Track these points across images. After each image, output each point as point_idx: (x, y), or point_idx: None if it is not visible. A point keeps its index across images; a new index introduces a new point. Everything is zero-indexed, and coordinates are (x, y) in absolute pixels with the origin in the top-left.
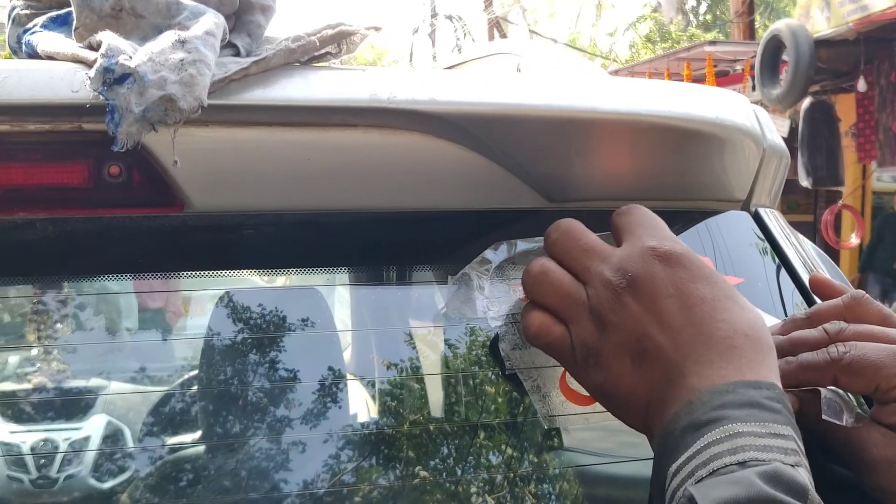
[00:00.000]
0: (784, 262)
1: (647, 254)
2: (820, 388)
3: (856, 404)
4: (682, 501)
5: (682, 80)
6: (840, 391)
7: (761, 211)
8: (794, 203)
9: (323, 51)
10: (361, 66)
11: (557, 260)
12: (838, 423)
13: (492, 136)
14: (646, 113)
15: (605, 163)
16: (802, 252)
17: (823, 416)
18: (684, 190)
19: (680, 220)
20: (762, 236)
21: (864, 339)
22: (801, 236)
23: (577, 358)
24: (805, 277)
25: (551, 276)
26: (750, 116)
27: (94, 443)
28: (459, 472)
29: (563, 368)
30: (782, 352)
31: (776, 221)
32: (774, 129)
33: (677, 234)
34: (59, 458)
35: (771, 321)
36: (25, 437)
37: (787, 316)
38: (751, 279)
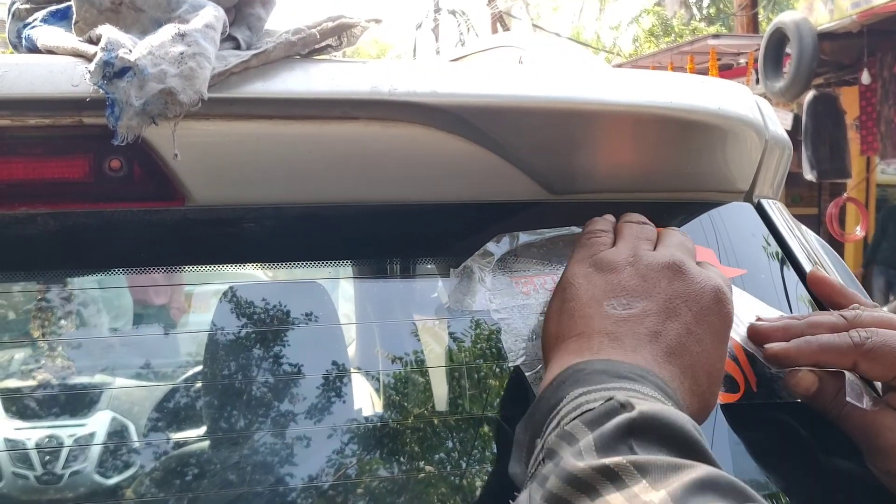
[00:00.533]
0: (787, 252)
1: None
2: (844, 371)
3: (871, 388)
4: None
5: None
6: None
7: (764, 202)
8: (798, 196)
9: (323, 43)
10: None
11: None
12: (859, 405)
13: (493, 129)
14: (648, 104)
15: (607, 154)
16: (805, 243)
17: (847, 399)
18: (687, 181)
19: (683, 211)
20: (765, 227)
21: (883, 326)
22: (804, 227)
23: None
24: (808, 268)
25: None
26: (752, 107)
27: (99, 439)
28: (464, 466)
29: None
30: (797, 333)
31: (779, 212)
32: (777, 120)
33: (680, 226)
34: (63, 454)
35: (774, 313)
36: (30, 433)
37: (789, 306)
38: (754, 270)
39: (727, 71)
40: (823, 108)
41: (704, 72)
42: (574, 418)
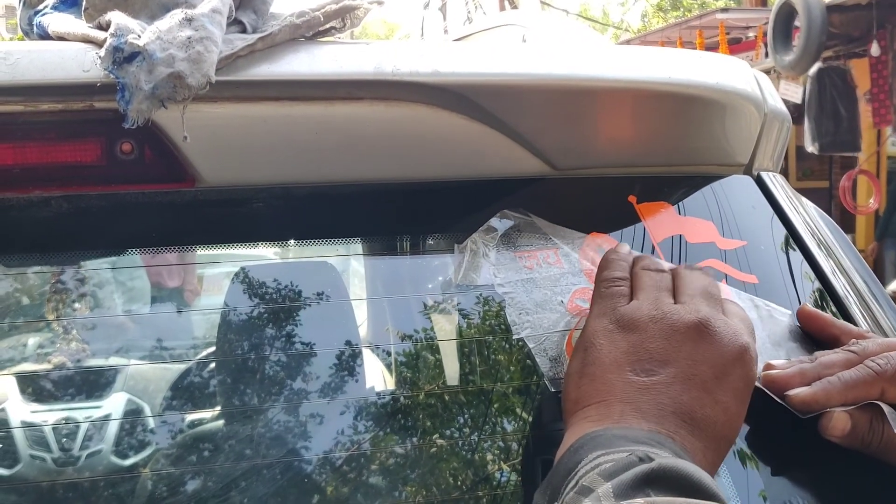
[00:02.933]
0: (787, 224)
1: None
2: (879, 403)
3: None
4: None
5: (695, 49)
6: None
7: (764, 175)
8: (809, 169)
9: (327, 26)
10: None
11: None
12: None
13: (496, 106)
14: (647, 80)
15: (608, 130)
16: (805, 214)
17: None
18: (687, 155)
19: (684, 184)
20: (765, 199)
21: (891, 350)
22: (804, 199)
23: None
24: (808, 240)
25: None
26: (751, 81)
27: (115, 420)
28: (476, 440)
29: (569, 332)
30: (814, 375)
31: (779, 185)
32: (776, 94)
33: (681, 199)
34: (80, 435)
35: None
36: (46, 416)
37: (791, 276)
38: (754, 242)
39: (736, 45)
40: (831, 80)
41: (714, 46)
42: (593, 474)
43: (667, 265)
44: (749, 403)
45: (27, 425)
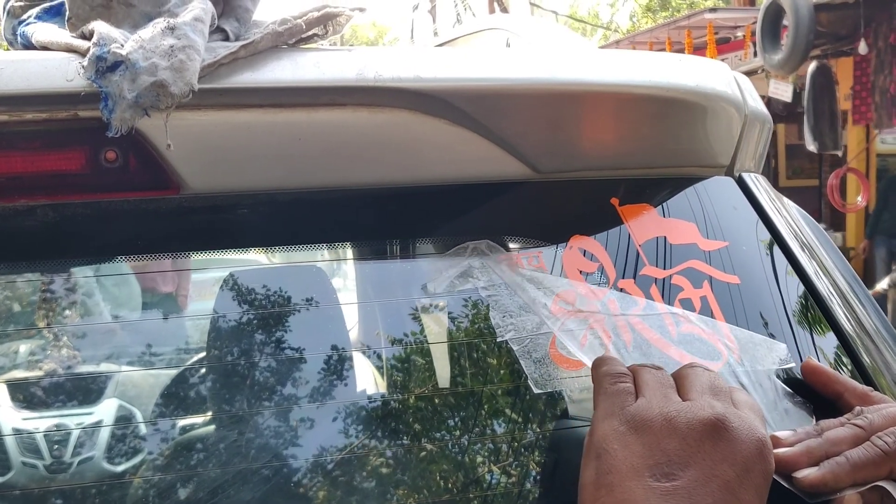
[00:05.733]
0: (768, 224)
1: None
2: (883, 484)
3: None
4: None
5: (683, 49)
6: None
7: (745, 176)
8: (799, 168)
9: (310, 33)
10: (363, 44)
11: None
12: None
13: (478, 111)
14: (628, 83)
15: (590, 133)
16: (787, 214)
17: None
18: (668, 157)
19: (666, 186)
20: (746, 200)
21: (893, 422)
22: (786, 199)
23: None
24: (790, 240)
25: None
26: (731, 84)
27: (106, 426)
28: (465, 443)
29: (552, 334)
30: (821, 454)
31: (760, 186)
32: (757, 96)
33: (664, 201)
34: (72, 442)
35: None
36: (38, 423)
37: (775, 276)
38: (735, 242)
39: (725, 44)
40: (822, 79)
41: (702, 46)
42: None
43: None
44: None
45: (19, 432)
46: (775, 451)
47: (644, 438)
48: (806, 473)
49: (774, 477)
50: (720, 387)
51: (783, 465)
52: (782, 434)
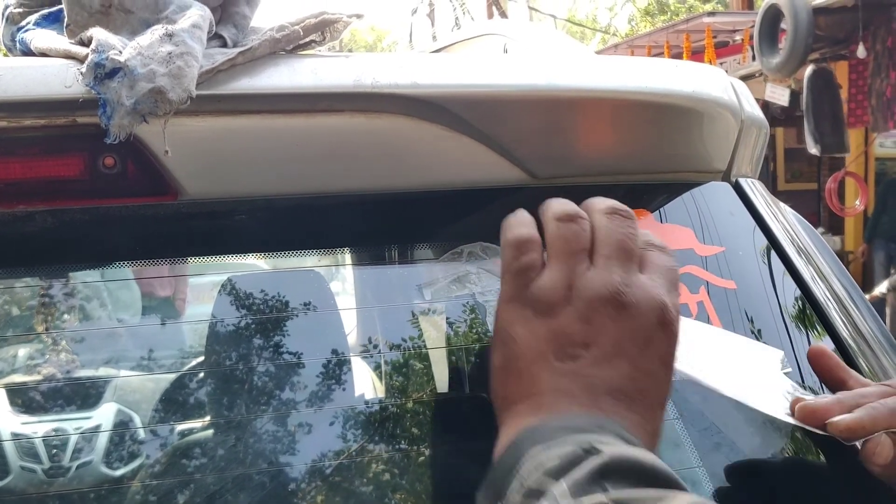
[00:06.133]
0: (765, 230)
1: None
2: None
3: None
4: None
5: (682, 52)
6: None
7: (742, 181)
8: (798, 171)
9: (307, 39)
10: (361, 48)
11: None
12: None
13: (475, 117)
14: (625, 89)
15: (587, 139)
16: (784, 220)
17: None
18: (665, 163)
19: (662, 192)
20: (743, 206)
21: None
22: (782, 204)
23: None
24: (787, 245)
25: None
26: (727, 89)
27: (105, 431)
28: (464, 448)
29: None
30: (853, 404)
31: (757, 191)
32: (753, 101)
33: (660, 206)
34: (70, 447)
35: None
36: (37, 427)
37: (772, 280)
38: (732, 248)
39: (723, 48)
40: (822, 82)
41: (700, 50)
42: (538, 474)
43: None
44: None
45: (18, 437)
46: (806, 402)
47: (548, 322)
48: (841, 418)
49: (808, 427)
50: (630, 248)
51: (818, 415)
52: (808, 396)
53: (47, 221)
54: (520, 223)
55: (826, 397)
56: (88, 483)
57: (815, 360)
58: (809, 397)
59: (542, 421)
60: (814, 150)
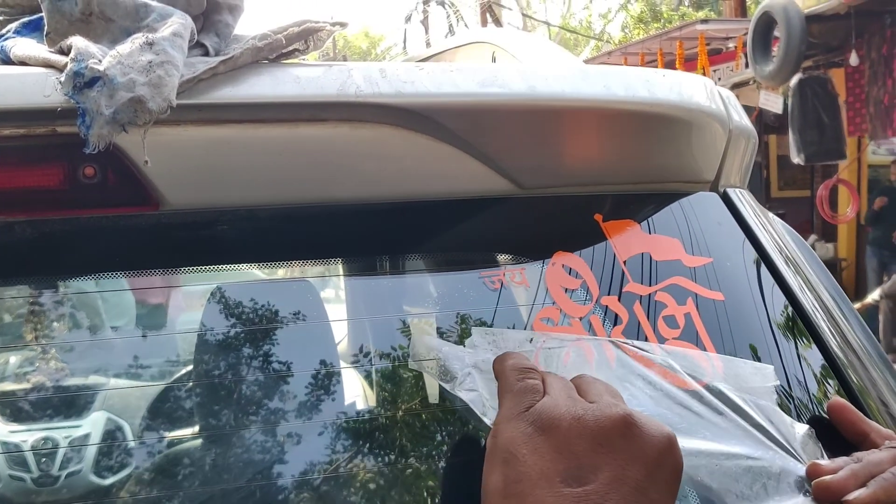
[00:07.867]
0: (753, 240)
1: None
2: None
3: None
4: None
5: (675, 60)
6: None
7: (730, 191)
8: (791, 178)
9: (290, 48)
10: (356, 54)
11: None
12: None
13: (460, 127)
14: (612, 99)
15: (574, 149)
16: (773, 230)
17: None
18: (653, 173)
19: (650, 202)
20: (731, 216)
21: None
22: (770, 214)
23: None
24: (775, 256)
25: None
26: (715, 99)
27: (95, 440)
28: (455, 461)
29: (535, 352)
30: (866, 474)
31: (745, 201)
32: (742, 111)
33: (648, 217)
34: (59, 456)
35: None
36: (26, 436)
37: (761, 290)
38: (720, 259)
39: (716, 56)
40: (812, 90)
41: (694, 57)
42: None
43: None
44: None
45: (6, 445)
46: (822, 478)
47: (554, 441)
48: (857, 494)
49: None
50: (615, 392)
51: (832, 492)
52: (822, 462)
53: (26, 232)
54: (518, 354)
55: (841, 471)
56: (78, 492)
57: (836, 414)
58: (824, 461)
59: None
60: (797, 159)
